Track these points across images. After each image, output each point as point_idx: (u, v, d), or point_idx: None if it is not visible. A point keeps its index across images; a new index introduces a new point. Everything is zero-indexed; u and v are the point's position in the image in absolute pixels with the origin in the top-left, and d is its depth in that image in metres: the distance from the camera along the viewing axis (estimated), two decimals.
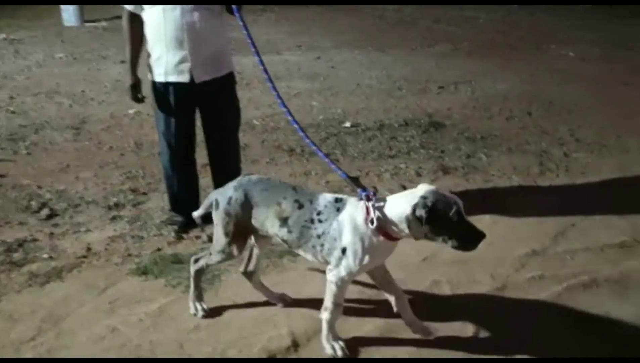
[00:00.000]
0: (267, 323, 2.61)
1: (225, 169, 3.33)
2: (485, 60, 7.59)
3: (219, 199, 2.49)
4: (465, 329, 2.58)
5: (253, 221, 2.44)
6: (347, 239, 2.25)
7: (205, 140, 3.41)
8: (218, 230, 2.50)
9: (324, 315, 2.40)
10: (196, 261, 2.63)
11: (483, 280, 2.94)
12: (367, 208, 2.21)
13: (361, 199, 2.26)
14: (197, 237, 3.33)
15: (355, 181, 2.61)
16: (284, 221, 2.36)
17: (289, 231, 2.36)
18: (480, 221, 3.18)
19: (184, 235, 3.36)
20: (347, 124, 5.25)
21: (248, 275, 2.72)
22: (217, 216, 2.49)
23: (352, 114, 5.54)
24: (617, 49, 8.17)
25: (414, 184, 4.11)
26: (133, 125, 5.24)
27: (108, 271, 3.01)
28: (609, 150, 4.66)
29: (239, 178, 2.57)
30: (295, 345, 2.48)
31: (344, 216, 2.27)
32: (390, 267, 2.50)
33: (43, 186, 3.99)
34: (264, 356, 2.41)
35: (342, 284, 2.33)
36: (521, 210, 3.66)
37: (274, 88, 2.82)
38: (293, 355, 2.43)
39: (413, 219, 2.13)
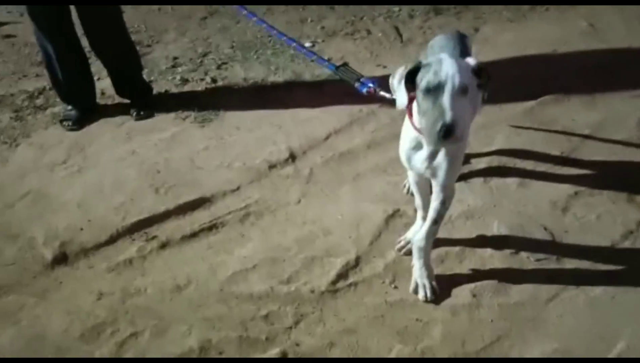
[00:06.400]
0: (268, 141, 2.94)
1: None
2: None
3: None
4: None
5: None
6: None
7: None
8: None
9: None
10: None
11: None
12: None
13: None
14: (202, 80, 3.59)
15: (346, 68, 2.37)
16: None
17: None
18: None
19: (189, 78, 3.61)
20: None
21: None
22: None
23: None
24: None
25: (406, 26, 4.29)
26: None
27: (122, 108, 3.30)
28: None
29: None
30: (292, 157, 2.82)
31: None
32: None
33: None
34: (265, 166, 2.75)
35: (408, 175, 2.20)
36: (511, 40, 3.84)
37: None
38: (290, 165, 2.77)
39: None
